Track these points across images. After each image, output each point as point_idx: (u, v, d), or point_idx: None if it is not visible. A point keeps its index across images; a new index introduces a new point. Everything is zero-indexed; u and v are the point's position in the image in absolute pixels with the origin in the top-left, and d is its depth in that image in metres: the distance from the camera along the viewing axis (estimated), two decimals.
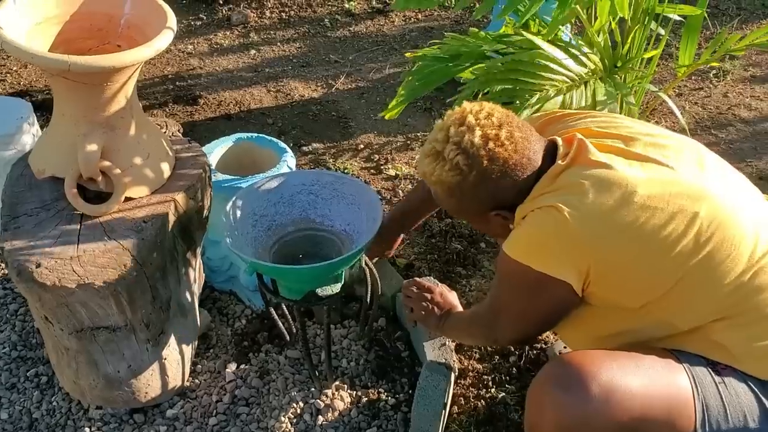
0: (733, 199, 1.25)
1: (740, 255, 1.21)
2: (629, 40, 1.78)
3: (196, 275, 1.90)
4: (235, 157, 2.24)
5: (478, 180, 1.28)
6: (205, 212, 1.79)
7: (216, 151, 2.19)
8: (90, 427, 1.78)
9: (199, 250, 1.86)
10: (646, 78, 1.85)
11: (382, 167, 2.74)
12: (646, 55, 1.79)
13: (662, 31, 1.83)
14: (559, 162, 1.28)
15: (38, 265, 1.45)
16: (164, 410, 1.83)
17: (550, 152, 1.32)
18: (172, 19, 1.54)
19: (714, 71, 3.30)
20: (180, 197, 1.66)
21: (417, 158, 1.36)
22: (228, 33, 3.80)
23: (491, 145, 1.26)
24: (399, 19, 3.90)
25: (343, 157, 2.82)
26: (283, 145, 2.19)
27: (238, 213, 1.69)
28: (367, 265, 1.80)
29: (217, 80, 3.37)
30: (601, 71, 1.82)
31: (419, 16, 3.93)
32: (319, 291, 1.69)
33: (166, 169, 1.69)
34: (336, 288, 1.70)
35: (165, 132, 1.87)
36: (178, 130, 1.89)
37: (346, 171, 2.71)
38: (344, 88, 3.31)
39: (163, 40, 1.48)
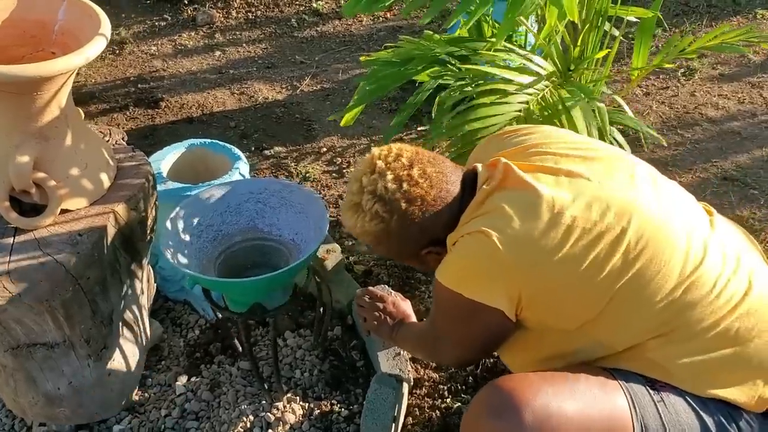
0: (664, 212, 1.22)
1: (671, 270, 1.17)
2: (579, 43, 1.74)
3: (144, 286, 1.85)
4: (188, 163, 2.20)
5: (401, 223, 1.27)
6: (149, 222, 1.74)
7: (168, 157, 2.14)
8: None
9: (145, 261, 1.81)
10: (600, 80, 1.82)
11: (344, 170, 2.70)
12: (598, 56, 1.76)
13: (616, 32, 1.80)
14: (484, 187, 1.25)
15: None
16: (111, 426, 1.78)
17: (470, 179, 1.30)
18: (106, 25, 1.49)
19: (682, 69, 3.28)
20: (120, 208, 1.61)
21: (341, 214, 1.37)
22: (193, 34, 3.74)
23: (405, 186, 1.25)
24: (367, 19, 3.85)
25: (305, 161, 2.77)
26: (236, 151, 2.15)
27: (182, 223, 1.65)
28: (316, 274, 1.76)
29: (180, 82, 3.32)
30: (557, 77, 1.78)
31: (387, 15, 3.89)
32: (268, 302, 1.65)
33: (105, 179, 1.64)
34: (284, 299, 1.66)
35: (108, 140, 1.81)
36: (123, 138, 1.83)
37: (308, 174, 2.67)
38: (309, 89, 3.26)
39: (95, 47, 1.43)
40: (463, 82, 1.75)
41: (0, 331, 1.50)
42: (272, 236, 1.73)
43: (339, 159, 2.77)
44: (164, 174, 2.07)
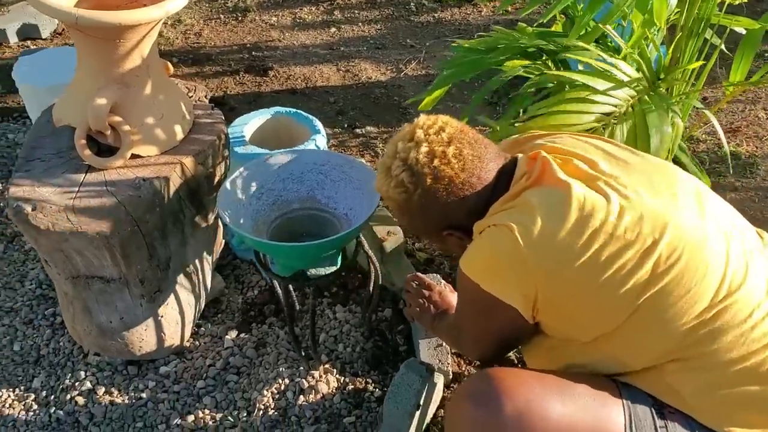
0: (703, 229, 1.12)
1: (702, 291, 1.08)
2: (671, 51, 1.63)
3: (209, 240, 1.92)
4: (273, 130, 2.26)
5: (423, 198, 1.23)
6: (217, 179, 1.80)
7: (252, 122, 2.21)
8: (85, 372, 1.85)
9: (211, 216, 1.88)
10: (693, 94, 1.70)
11: None
12: (693, 66, 1.63)
13: (717, 41, 1.67)
14: (521, 181, 1.20)
15: (34, 209, 1.51)
16: (158, 366, 1.88)
17: (509, 171, 1.24)
18: None
19: None
20: (188, 161, 1.68)
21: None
22: (314, 8, 3.82)
23: (437, 162, 1.21)
24: (487, 10, 3.79)
25: None
26: (317, 123, 2.18)
27: (243, 184, 1.70)
28: (367, 253, 1.76)
29: (292, 54, 3.41)
30: (644, 87, 1.68)
31: (509, 8, 3.81)
32: (313, 271, 1.67)
33: (179, 131, 1.71)
34: (329, 270, 1.68)
35: (191, 96, 1.89)
36: (206, 96, 1.91)
37: None
38: (413, 74, 3.26)
39: (175, 3, 1.49)
40: (543, 77, 1.68)
41: (62, 259, 1.61)
42: (328, 208, 1.75)
43: None
44: (246, 138, 2.14)
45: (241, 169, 1.70)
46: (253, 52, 3.42)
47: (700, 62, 1.63)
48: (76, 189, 1.57)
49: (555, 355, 1.24)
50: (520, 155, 1.27)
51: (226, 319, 2.04)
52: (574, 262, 1.09)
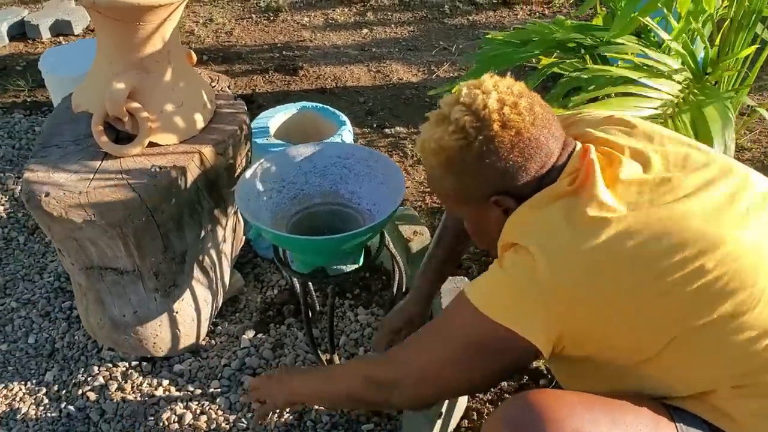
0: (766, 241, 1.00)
1: (761, 313, 0.97)
2: (718, 42, 1.53)
3: (228, 235, 1.86)
4: (298, 124, 2.20)
5: (485, 147, 1.06)
6: (237, 171, 1.74)
7: (278, 116, 2.15)
8: (99, 366, 1.80)
9: (231, 210, 1.82)
10: (743, 89, 1.59)
11: None
12: (742, 54, 1.52)
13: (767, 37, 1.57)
14: (566, 181, 1.06)
15: (47, 194, 1.46)
16: (172, 364, 1.82)
17: (565, 158, 1.10)
18: None
19: None
20: (207, 150, 1.62)
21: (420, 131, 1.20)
22: (346, 10, 3.77)
23: (507, 110, 1.06)
24: (523, 13, 3.71)
25: None
26: (344, 118, 2.12)
27: (263, 175, 1.63)
28: (391, 251, 1.69)
29: (322, 54, 3.36)
30: (690, 81, 1.58)
31: (546, 11, 3.72)
32: (334, 269, 1.60)
33: (199, 120, 1.66)
34: (350, 268, 1.60)
35: (213, 86, 1.84)
36: (228, 86, 1.85)
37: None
38: (445, 75, 3.18)
39: None
40: (580, 74, 1.59)
41: (76, 249, 1.56)
42: (351, 204, 1.67)
43: None
44: (271, 131, 2.08)
45: (262, 160, 1.64)
46: (284, 52, 3.38)
47: (753, 47, 1.51)
48: (91, 176, 1.52)
49: (587, 382, 1.11)
50: (577, 144, 1.13)
51: (243, 318, 1.97)
52: (608, 289, 0.98)
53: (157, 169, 1.53)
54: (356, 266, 1.61)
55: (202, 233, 1.72)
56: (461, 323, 1.09)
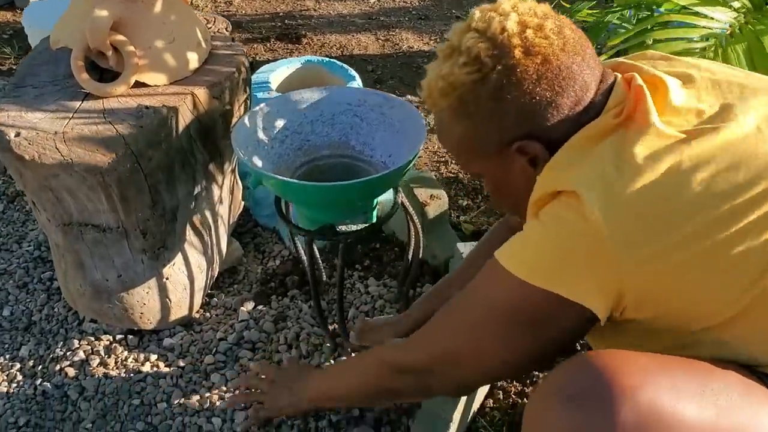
0: None
1: None
2: None
3: (224, 195, 1.67)
4: (302, 79, 2.02)
5: (504, 80, 0.87)
6: (235, 119, 1.56)
7: (280, 69, 1.97)
8: (79, 340, 1.61)
9: (227, 166, 1.63)
10: None
11: None
12: None
13: None
14: (611, 113, 0.88)
15: (18, 134, 1.27)
16: (162, 338, 1.63)
17: (605, 90, 0.91)
18: None
19: None
20: (201, 93, 1.43)
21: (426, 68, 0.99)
22: None
23: (529, 33, 0.87)
24: None
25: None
26: (352, 72, 1.94)
27: (265, 122, 1.45)
28: (410, 215, 1.50)
29: (327, 23, 3.17)
30: (748, 10, 1.40)
31: None
32: (344, 227, 1.41)
33: (193, 59, 1.47)
34: (362, 226, 1.41)
35: (209, 27, 1.65)
36: (226, 28, 1.67)
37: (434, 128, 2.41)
38: None
39: None
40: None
41: (53, 202, 1.37)
42: (363, 156, 1.49)
43: None
44: (272, 85, 1.89)
45: (263, 105, 1.45)
46: (286, 21, 3.20)
47: None
48: (70, 115, 1.33)
49: (641, 346, 0.92)
50: (617, 76, 0.95)
51: (242, 290, 1.78)
52: (674, 234, 0.80)
53: (144, 109, 1.34)
54: (367, 225, 1.43)
55: (196, 190, 1.54)
56: (495, 294, 0.91)
